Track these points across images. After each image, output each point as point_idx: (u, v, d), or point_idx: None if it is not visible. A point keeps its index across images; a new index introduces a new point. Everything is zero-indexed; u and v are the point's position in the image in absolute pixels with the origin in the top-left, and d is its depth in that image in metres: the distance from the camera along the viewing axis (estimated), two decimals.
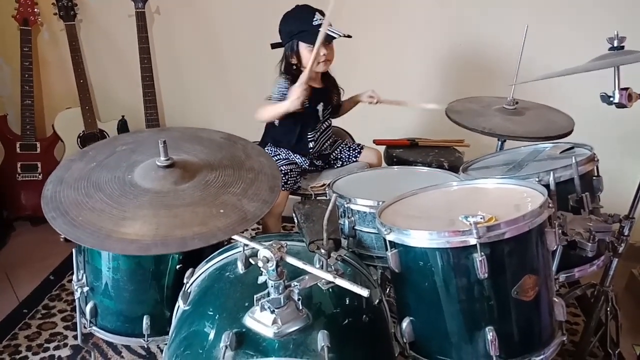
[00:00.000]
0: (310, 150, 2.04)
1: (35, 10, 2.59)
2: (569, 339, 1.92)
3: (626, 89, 1.21)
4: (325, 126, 2.07)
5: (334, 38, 1.83)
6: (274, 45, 1.96)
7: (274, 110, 1.88)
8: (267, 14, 2.50)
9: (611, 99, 1.23)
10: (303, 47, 1.88)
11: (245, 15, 2.61)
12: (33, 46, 2.61)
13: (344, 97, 2.14)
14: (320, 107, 2.00)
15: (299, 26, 1.87)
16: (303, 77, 1.80)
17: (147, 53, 2.61)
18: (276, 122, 1.99)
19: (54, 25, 2.70)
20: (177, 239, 0.96)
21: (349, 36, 1.85)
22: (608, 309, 1.61)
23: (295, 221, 1.29)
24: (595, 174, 1.46)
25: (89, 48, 2.76)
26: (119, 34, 2.73)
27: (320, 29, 1.79)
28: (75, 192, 1.05)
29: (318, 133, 2.04)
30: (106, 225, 0.97)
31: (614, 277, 1.58)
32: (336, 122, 2.19)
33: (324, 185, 1.97)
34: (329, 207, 1.07)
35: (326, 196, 1.68)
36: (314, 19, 1.84)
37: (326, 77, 2.03)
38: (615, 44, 1.28)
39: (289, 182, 1.93)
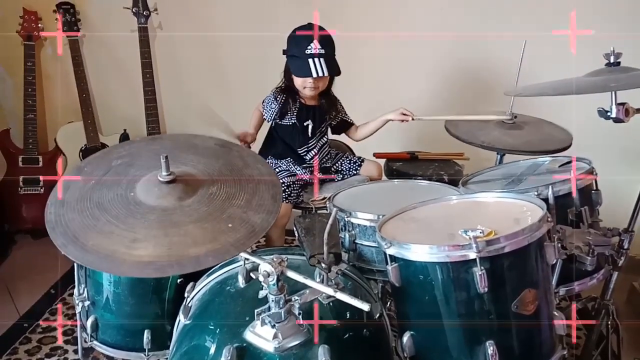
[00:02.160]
0: (307, 161, 2.05)
1: (39, 25, 2.62)
2: (571, 352, 1.91)
3: (623, 104, 1.23)
4: (321, 143, 2.07)
5: (314, 77, 1.83)
6: (285, 52, 1.97)
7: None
8: (268, 28, 2.54)
9: (608, 114, 1.24)
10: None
11: (246, 29, 2.63)
12: (36, 61, 2.65)
13: (349, 112, 2.15)
14: (308, 124, 2.01)
15: (293, 49, 1.88)
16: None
17: (149, 68, 2.64)
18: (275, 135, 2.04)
19: (58, 40, 2.73)
20: (192, 258, 0.95)
21: (337, 74, 1.89)
22: (609, 322, 1.61)
23: (296, 235, 1.29)
24: (594, 188, 1.47)
25: (92, 63, 2.79)
26: (121, 49, 2.76)
27: (309, 59, 1.80)
28: (80, 215, 1.03)
29: (315, 149, 2.05)
30: (119, 249, 0.96)
31: (614, 291, 1.58)
32: (334, 135, 2.20)
33: (324, 198, 1.98)
34: (330, 221, 1.08)
35: (327, 210, 1.69)
36: (308, 47, 1.82)
37: (324, 96, 2.03)
38: (612, 60, 1.29)
39: (292, 195, 1.94)
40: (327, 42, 1.85)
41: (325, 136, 2.10)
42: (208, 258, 0.96)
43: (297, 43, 1.86)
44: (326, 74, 1.82)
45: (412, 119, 2.04)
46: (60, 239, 0.98)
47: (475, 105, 2.17)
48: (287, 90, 1.98)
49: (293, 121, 1.99)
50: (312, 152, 2.05)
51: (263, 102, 2.04)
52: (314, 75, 1.81)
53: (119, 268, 0.95)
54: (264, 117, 2.04)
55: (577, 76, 1.38)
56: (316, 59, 1.81)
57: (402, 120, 2.04)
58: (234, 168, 1.19)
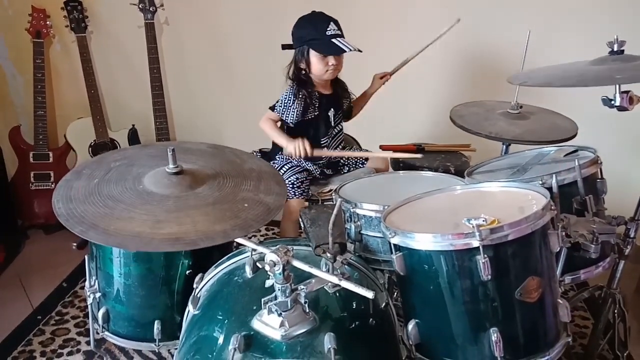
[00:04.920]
0: (324, 157, 2.05)
1: (48, 22, 2.65)
2: (579, 342, 1.92)
3: (627, 92, 1.22)
4: (336, 131, 2.08)
5: (344, 52, 1.84)
6: (285, 46, 1.97)
7: (274, 137, 1.97)
8: (275, 23, 2.55)
9: (612, 102, 1.23)
10: (313, 55, 1.89)
11: (253, 24, 2.64)
12: (45, 58, 2.67)
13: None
14: (331, 113, 2.02)
15: (311, 33, 1.87)
16: (320, 153, 1.88)
17: (157, 63, 2.66)
18: (286, 129, 2.01)
19: (66, 37, 2.76)
20: (219, 231, 0.99)
21: (360, 50, 1.86)
22: (615, 311, 1.61)
23: (302, 226, 1.31)
24: (599, 177, 1.46)
25: (100, 59, 2.81)
26: (128, 45, 2.78)
27: (332, 40, 1.82)
28: (93, 207, 1.04)
29: (330, 139, 2.06)
30: (144, 230, 0.97)
31: (620, 279, 1.58)
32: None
33: (330, 190, 1.99)
34: (334, 212, 1.09)
35: (333, 201, 1.70)
36: (328, 29, 1.84)
37: (336, 82, 2.05)
38: (615, 48, 1.29)
39: (304, 190, 1.95)
40: (339, 26, 1.89)
41: (341, 124, 2.10)
42: (235, 230, 1.00)
43: (316, 26, 1.87)
44: (354, 49, 1.83)
45: (390, 76, 2.11)
46: (77, 227, 0.99)
47: (480, 94, 2.17)
48: (302, 84, 1.95)
49: (316, 113, 1.97)
50: (336, 139, 2.06)
51: (274, 109, 1.96)
52: (347, 50, 1.83)
53: (149, 245, 0.97)
54: (288, 121, 1.96)
55: (580, 60, 1.37)
56: (338, 39, 1.85)
57: (384, 83, 2.11)
58: (233, 164, 1.22)
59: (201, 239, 0.97)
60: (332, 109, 2.02)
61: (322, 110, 1.99)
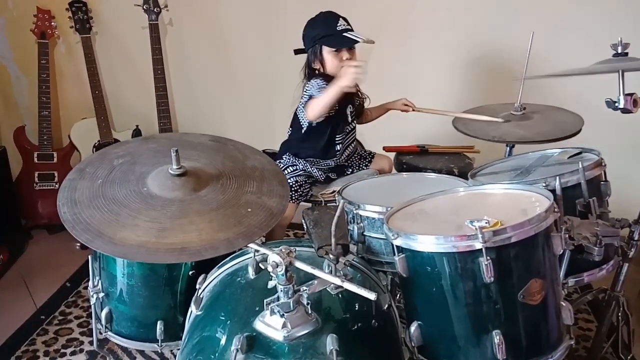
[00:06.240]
0: (337, 153, 2.04)
1: (53, 23, 2.67)
2: (582, 345, 1.91)
3: (631, 94, 1.22)
4: (350, 128, 2.07)
5: (357, 42, 1.86)
6: (297, 51, 1.98)
7: (325, 98, 1.79)
8: (276, 24, 2.55)
9: (616, 104, 1.23)
10: (326, 52, 1.90)
11: (255, 25, 2.65)
12: (50, 58, 2.69)
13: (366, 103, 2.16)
14: (349, 110, 2.02)
15: (323, 31, 1.89)
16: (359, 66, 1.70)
17: (161, 64, 2.67)
18: (304, 127, 1.99)
19: (70, 38, 2.77)
20: (223, 241, 0.98)
21: (372, 41, 1.87)
22: (619, 314, 1.61)
23: (305, 227, 1.31)
24: (603, 179, 1.46)
25: (104, 60, 2.82)
26: (132, 46, 2.80)
27: (344, 34, 1.84)
28: (98, 212, 1.03)
29: (344, 135, 2.05)
30: (149, 239, 0.97)
31: (624, 282, 1.58)
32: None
33: (333, 192, 1.99)
34: (337, 213, 1.09)
35: (336, 203, 1.70)
36: (338, 25, 1.87)
37: None
38: (619, 50, 1.29)
39: (301, 195, 1.95)
40: (348, 22, 1.91)
41: (354, 122, 2.09)
42: (239, 239, 0.99)
43: (326, 23, 1.89)
44: (366, 39, 1.84)
45: (412, 110, 2.11)
46: (84, 236, 0.98)
47: (484, 97, 2.17)
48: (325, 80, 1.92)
49: (336, 108, 1.95)
50: (349, 137, 2.06)
51: (311, 97, 1.87)
52: (359, 40, 1.84)
53: (155, 256, 0.97)
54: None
55: (585, 66, 1.37)
56: (350, 33, 1.86)
57: (403, 110, 2.12)
58: (236, 160, 1.21)
59: (205, 248, 0.96)
60: (350, 105, 2.02)
61: (341, 106, 1.97)
